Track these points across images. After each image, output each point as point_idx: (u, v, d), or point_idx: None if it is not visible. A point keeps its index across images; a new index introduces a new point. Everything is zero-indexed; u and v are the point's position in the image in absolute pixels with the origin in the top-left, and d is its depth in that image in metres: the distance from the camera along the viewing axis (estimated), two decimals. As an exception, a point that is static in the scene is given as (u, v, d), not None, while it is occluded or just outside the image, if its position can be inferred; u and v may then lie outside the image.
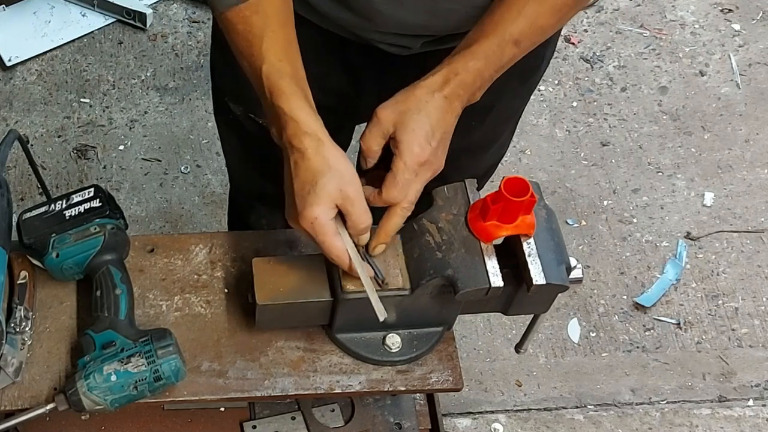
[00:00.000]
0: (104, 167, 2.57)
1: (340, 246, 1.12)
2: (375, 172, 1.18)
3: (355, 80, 1.49)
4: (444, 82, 1.16)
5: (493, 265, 1.16)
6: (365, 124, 1.19)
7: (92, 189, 1.30)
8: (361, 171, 1.21)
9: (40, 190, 1.75)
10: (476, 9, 1.23)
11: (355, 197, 1.11)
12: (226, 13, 1.16)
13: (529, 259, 1.16)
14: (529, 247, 1.17)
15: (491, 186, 1.33)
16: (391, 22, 1.30)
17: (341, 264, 1.14)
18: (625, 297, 2.48)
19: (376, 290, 1.19)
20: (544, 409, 2.30)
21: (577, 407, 2.31)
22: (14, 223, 1.29)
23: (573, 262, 1.21)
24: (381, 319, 1.16)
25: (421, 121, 1.14)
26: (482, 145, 1.60)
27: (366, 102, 1.21)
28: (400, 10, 1.28)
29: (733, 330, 2.46)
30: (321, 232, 1.11)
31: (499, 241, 1.19)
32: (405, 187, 1.14)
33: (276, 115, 1.13)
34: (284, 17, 1.18)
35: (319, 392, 1.27)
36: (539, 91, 2.85)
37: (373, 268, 1.19)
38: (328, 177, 1.09)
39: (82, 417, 1.45)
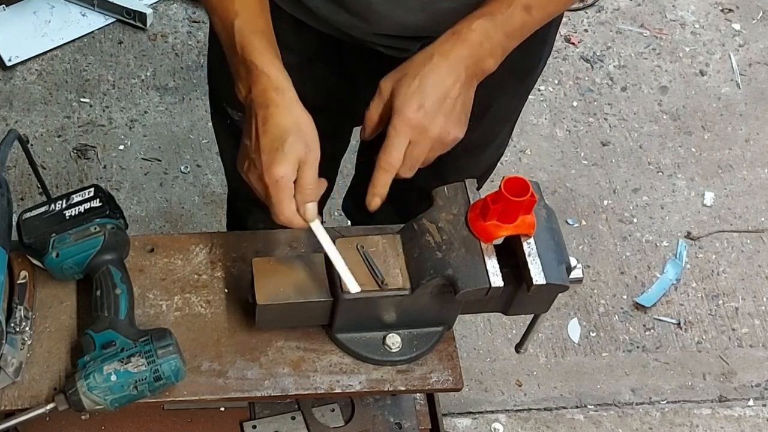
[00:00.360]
0: (104, 167, 2.57)
1: (293, 208, 1.12)
2: None
3: (352, 83, 1.49)
4: (444, 43, 1.16)
5: (493, 265, 1.16)
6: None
7: (92, 189, 1.30)
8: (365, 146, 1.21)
9: (40, 190, 1.75)
10: (475, 9, 1.23)
11: (312, 162, 1.11)
12: None
13: (529, 259, 1.16)
14: (529, 246, 1.17)
15: (491, 186, 1.33)
16: (389, 22, 1.30)
17: (291, 224, 1.13)
18: (625, 297, 2.48)
19: (376, 290, 1.19)
20: (545, 409, 2.30)
21: (577, 407, 2.31)
22: (14, 223, 1.29)
23: (573, 261, 1.21)
24: (353, 291, 1.16)
25: (413, 85, 1.14)
26: (480, 145, 1.60)
27: (363, 104, 1.20)
28: (398, 10, 1.27)
29: (733, 330, 2.45)
30: (283, 192, 1.11)
31: (499, 240, 1.19)
32: (395, 151, 1.14)
33: (247, 69, 1.13)
34: None
35: (319, 392, 1.27)
36: (539, 90, 2.84)
37: (372, 267, 1.19)
38: (296, 136, 1.10)
39: (82, 417, 1.45)
